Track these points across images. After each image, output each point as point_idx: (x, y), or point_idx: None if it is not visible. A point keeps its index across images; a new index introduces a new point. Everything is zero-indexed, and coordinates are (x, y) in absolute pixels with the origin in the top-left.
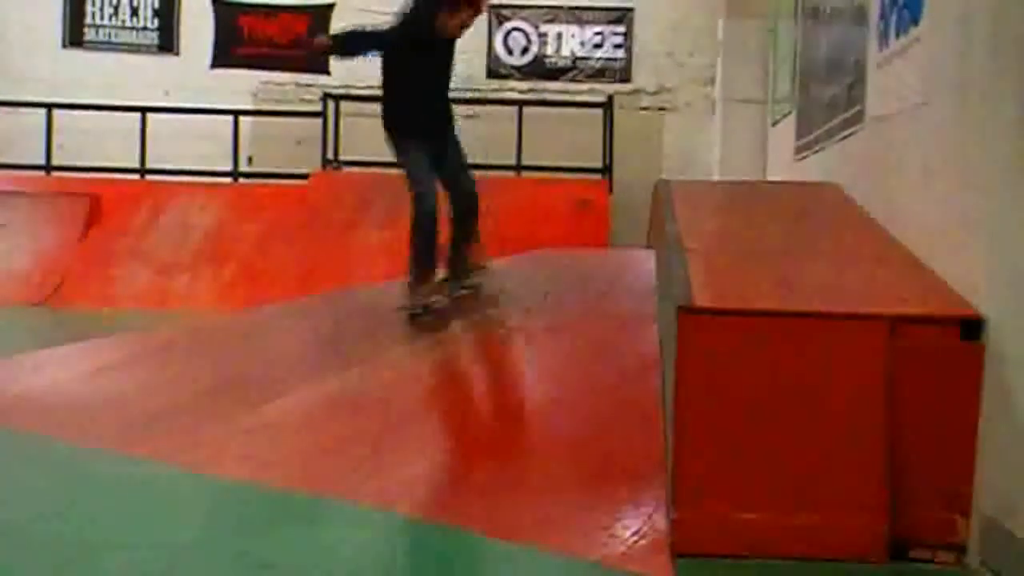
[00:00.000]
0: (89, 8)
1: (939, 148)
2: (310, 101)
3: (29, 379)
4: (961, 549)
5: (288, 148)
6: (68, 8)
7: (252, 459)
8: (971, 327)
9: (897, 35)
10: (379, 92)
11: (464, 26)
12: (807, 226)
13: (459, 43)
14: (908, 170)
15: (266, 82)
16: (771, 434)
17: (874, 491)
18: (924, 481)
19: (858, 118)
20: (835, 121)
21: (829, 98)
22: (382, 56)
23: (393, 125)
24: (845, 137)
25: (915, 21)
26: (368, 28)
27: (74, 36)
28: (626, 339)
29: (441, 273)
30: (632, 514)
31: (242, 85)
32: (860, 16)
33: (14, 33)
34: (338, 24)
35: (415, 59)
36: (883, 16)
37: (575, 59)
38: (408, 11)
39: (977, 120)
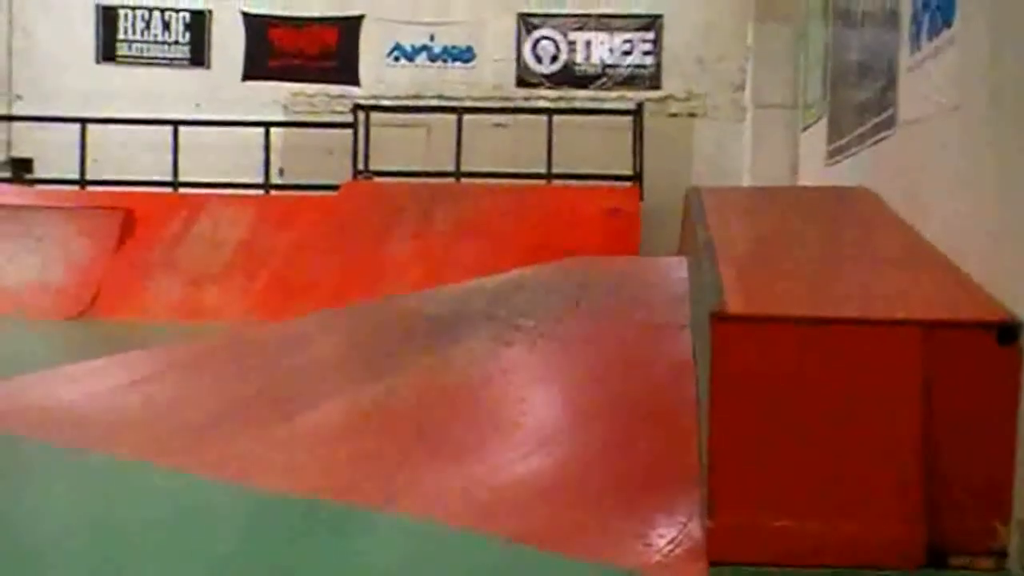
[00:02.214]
0: (122, 24)
1: (973, 151)
2: (340, 112)
3: (65, 392)
4: (1001, 555)
5: (319, 159)
6: (101, 24)
7: (286, 470)
8: (1007, 332)
9: (929, 38)
10: (408, 102)
11: None
12: (840, 231)
13: (490, 51)
14: (942, 174)
15: (296, 93)
16: (806, 442)
17: (911, 498)
18: (962, 487)
19: (890, 122)
20: (867, 125)
21: (860, 102)
22: None
23: None
24: (877, 141)
25: (947, 23)
26: None
27: (107, 51)
28: (659, 347)
29: None
30: (667, 522)
31: (273, 97)
32: (892, 19)
33: (48, 49)
34: (366, 35)
35: None
36: (915, 19)
37: (604, 67)
38: None
39: (1011, 123)
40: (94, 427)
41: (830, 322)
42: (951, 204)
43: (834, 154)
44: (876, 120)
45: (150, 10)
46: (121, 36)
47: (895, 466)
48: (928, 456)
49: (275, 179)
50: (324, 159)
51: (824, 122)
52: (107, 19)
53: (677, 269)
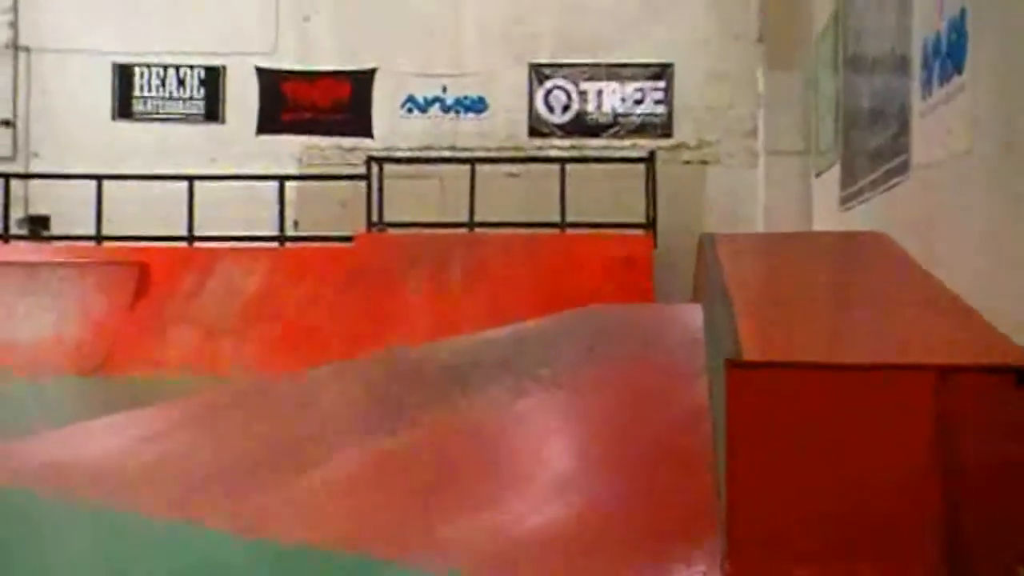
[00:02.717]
0: (137, 81)
1: (987, 195)
2: (354, 164)
3: (81, 448)
4: None
5: (333, 211)
6: (117, 81)
7: (301, 522)
8: None
9: (941, 83)
10: (422, 154)
11: None
12: (854, 275)
13: (502, 102)
14: (956, 217)
15: (310, 146)
16: (824, 488)
17: (931, 544)
18: (983, 533)
19: (903, 167)
20: (880, 171)
21: (873, 148)
22: None
23: None
24: (891, 187)
25: (959, 69)
26: None
27: (123, 108)
28: (675, 393)
29: None
30: (686, 572)
31: (287, 150)
32: (902, 65)
33: (65, 107)
34: (379, 88)
35: None
36: (926, 65)
37: (616, 115)
38: None
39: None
40: (109, 483)
41: (846, 368)
42: (966, 247)
43: (848, 199)
44: (889, 165)
45: (165, 67)
46: (137, 93)
47: (914, 511)
48: (948, 501)
49: (290, 231)
50: (338, 211)
51: (837, 168)
52: (123, 76)
53: (691, 316)
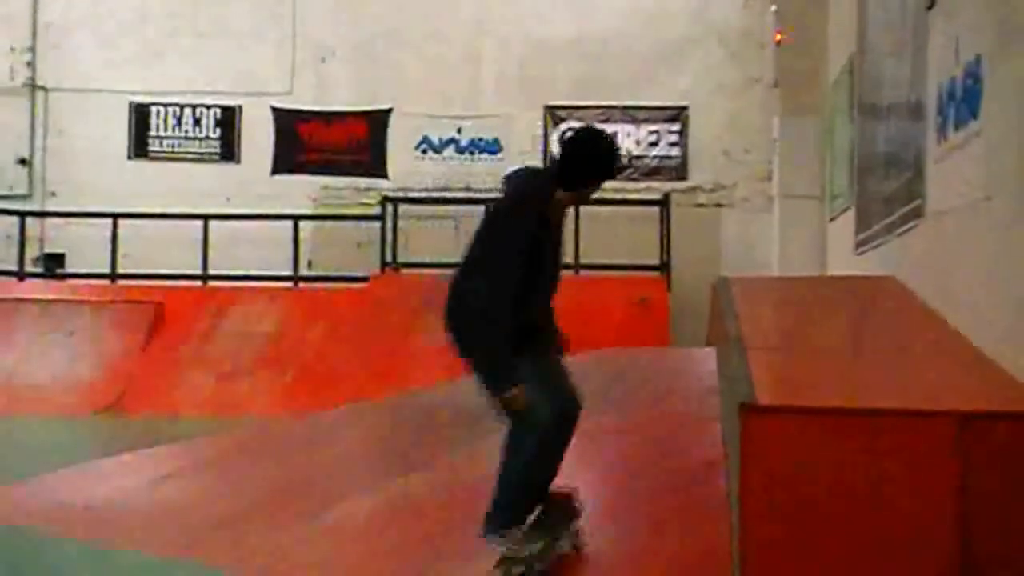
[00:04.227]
0: (153, 120)
1: (1003, 241)
2: (369, 204)
3: (94, 488)
4: None
5: (347, 251)
6: (133, 121)
7: (314, 565)
8: None
9: (956, 128)
10: (436, 194)
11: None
12: (869, 321)
13: (517, 143)
14: (971, 263)
15: (325, 187)
16: (839, 534)
17: None
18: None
19: (918, 212)
20: (895, 216)
21: (888, 193)
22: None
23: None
24: (905, 232)
25: (974, 115)
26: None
27: (139, 148)
28: (689, 439)
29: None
30: None
31: (302, 190)
32: (917, 111)
33: (81, 147)
34: (394, 128)
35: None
36: (941, 110)
37: (631, 158)
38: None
39: None
40: (122, 523)
41: (861, 413)
42: (980, 294)
43: (862, 244)
44: (904, 210)
45: (181, 107)
46: (153, 132)
47: (932, 558)
48: (965, 548)
49: (304, 271)
50: (353, 251)
51: (851, 212)
52: (139, 116)
53: (706, 361)
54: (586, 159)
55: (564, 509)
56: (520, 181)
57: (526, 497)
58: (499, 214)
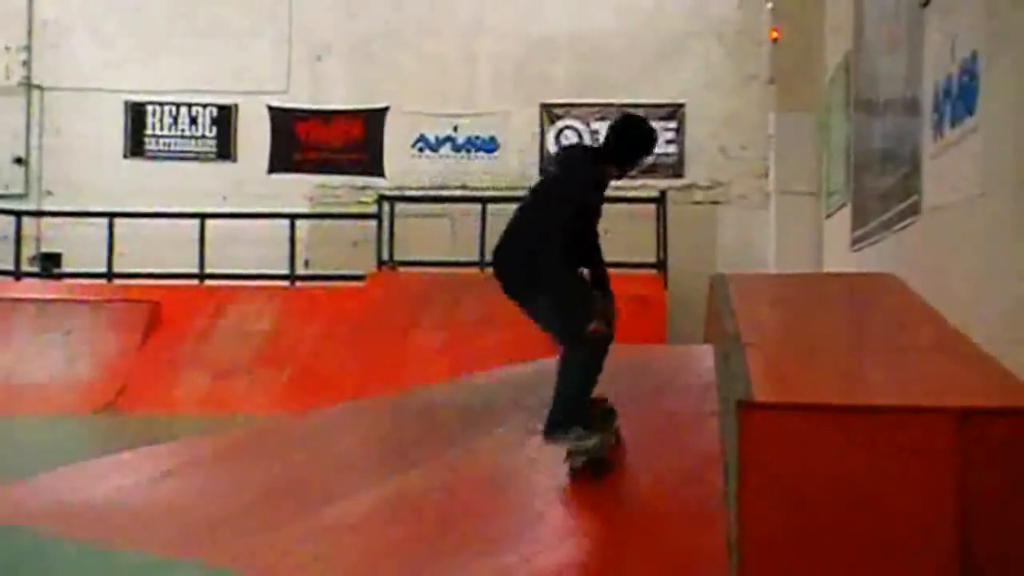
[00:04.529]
0: (149, 119)
1: (999, 236)
2: (365, 203)
3: (92, 487)
4: None
5: (344, 250)
6: (129, 120)
7: (313, 564)
8: None
9: (952, 125)
10: (433, 193)
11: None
12: (866, 317)
13: (513, 141)
14: (968, 259)
15: (322, 185)
16: (838, 531)
17: None
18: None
19: (914, 208)
20: (891, 212)
21: (884, 189)
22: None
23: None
24: (902, 228)
25: (970, 111)
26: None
27: (135, 147)
28: (686, 437)
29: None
30: None
31: (298, 189)
32: (913, 107)
33: (77, 146)
34: (391, 127)
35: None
36: (937, 107)
37: None
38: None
39: None
40: (121, 522)
41: (860, 410)
42: (977, 289)
43: (859, 240)
44: (900, 207)
45: (177, 105)
46: (149, 131)
47: (931, 557)
48: (965, 545)
49: (301, 271)
50: (349, 250)
51: (848, 209)
52: (135, 115)
53: (703, 358)
54: (634, 140)
55: (605, 411)
56: (581, 153)
57: (580, 402)
58: (568, 174)
